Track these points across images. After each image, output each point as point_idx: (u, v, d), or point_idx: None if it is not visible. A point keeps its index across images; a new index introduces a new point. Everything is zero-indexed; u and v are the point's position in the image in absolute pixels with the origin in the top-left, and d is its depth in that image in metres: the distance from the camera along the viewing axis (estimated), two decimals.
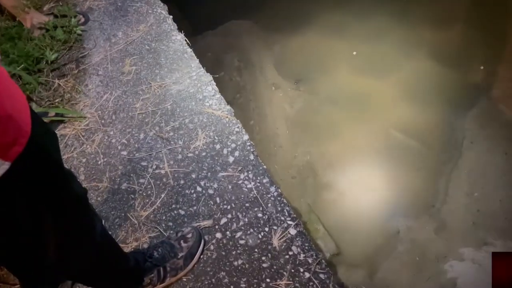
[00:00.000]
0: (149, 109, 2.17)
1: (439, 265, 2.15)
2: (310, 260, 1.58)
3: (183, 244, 1.61)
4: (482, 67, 2.92)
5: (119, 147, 2.07)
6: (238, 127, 2.03)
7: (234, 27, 3.58)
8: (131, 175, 1.96)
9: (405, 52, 3.06)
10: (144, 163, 1.98)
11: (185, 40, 2.47)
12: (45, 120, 2.13)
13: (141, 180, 1.92)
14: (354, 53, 3.14)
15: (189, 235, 1.63)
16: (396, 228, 2.29)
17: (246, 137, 1.99)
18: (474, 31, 3.12)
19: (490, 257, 2.08)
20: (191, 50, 2.38)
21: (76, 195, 1.08)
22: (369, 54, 3.12)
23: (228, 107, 2.12)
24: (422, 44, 3.11)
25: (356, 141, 2.69)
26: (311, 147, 2.73)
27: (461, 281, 2.09)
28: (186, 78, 2.26)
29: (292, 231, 1.66)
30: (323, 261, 1.60)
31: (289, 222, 1.69)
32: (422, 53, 3.04)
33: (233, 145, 1.96)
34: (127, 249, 1.72)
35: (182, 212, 1.78)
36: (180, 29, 2.54)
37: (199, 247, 1.63)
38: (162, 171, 1.93)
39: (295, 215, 1.73)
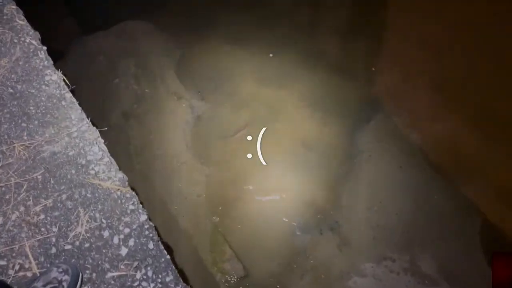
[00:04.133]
0: (11, 180, 1.64)
1: (343, 282, 2.16)
2: None
3: None
4: (373, 69, 2.97)
5: None
6: (133, 202, 1.62)
7: (130, 29, 3.21)
8: None
9: (307, 63, 3.00)
10: (2, 262, 1.47)
11: (64, 81, 1.96)
12: None
13: None
14: (271, 55, 3.00)
15: None
16: (302, 245, 2.25)
17: (143, 217, 1.59)
18: (373, 43, 3.14)
19: (389, 272, 2.18)
20: (71, 95, 1.88)
21: None
22: (272, 65, 3.00)
23: (121, 174, 1.70)
24: (323, 56, 3.08)
25: (261, 154, 2.57)
26: (216, 161, 2.54)
27: None
28: (64, 136, 1.77)
29: None
30: None
31: None
32: (324, 64, 3.01)
33: (127, 230, 1.55)
34: None
35: None
36: (43, 42, 2.02)
37: None
38: (28, 274, 1.45)
39: None
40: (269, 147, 2.60)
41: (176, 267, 1.51)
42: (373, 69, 2.99)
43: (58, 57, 2.25)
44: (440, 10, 3.08)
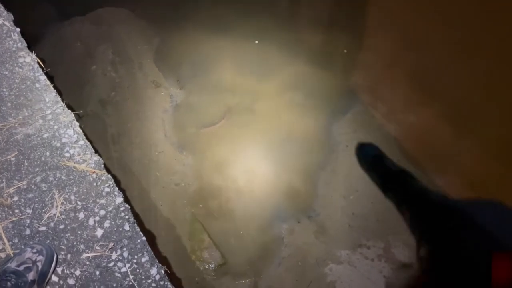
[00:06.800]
0: None
1: (319, 269, 2.21)
2: None
3: None
4: (345, 51, 3.00)
5: None
6: (109, 185, 1.63)
7: (107, 15, 3.16)
8: None
9: (287, 54, 3.00)
10: None
11: (38, 63, 1.93)
12: None
13: None
14: (256, 42, 2.98)
15: None
16: (280, 233, 2.29)
17: (119, 199, 1.60)
18: (353, 36, 3.18)
19: (364, 258, 2.24)
20: (45, 78, 1.86)
21: None
22: (253, 54, 2.99)
23: (96, 157, 1.69)
24: (302, 47, 3.09)
25: (240, 145, 2.59)
26: (195, 150, 2.54)
27: (339, 284, 2.18)
28: (38, 118, 1.75)
29: None
30: None
31: None
32: (303, 56, 3.01)
33: (102, 212, 1.56)
34: None
35: None
36: (17, 24, 1.97)
37: None
38: (2, 255, 1.44)
39: None
40: (247, 136, 2.64)
41: (155, 252, 1.53)
42: (345, 51, 3.03)
43: (33, 41, 2.21)
44: (420, 3, 3.14)
